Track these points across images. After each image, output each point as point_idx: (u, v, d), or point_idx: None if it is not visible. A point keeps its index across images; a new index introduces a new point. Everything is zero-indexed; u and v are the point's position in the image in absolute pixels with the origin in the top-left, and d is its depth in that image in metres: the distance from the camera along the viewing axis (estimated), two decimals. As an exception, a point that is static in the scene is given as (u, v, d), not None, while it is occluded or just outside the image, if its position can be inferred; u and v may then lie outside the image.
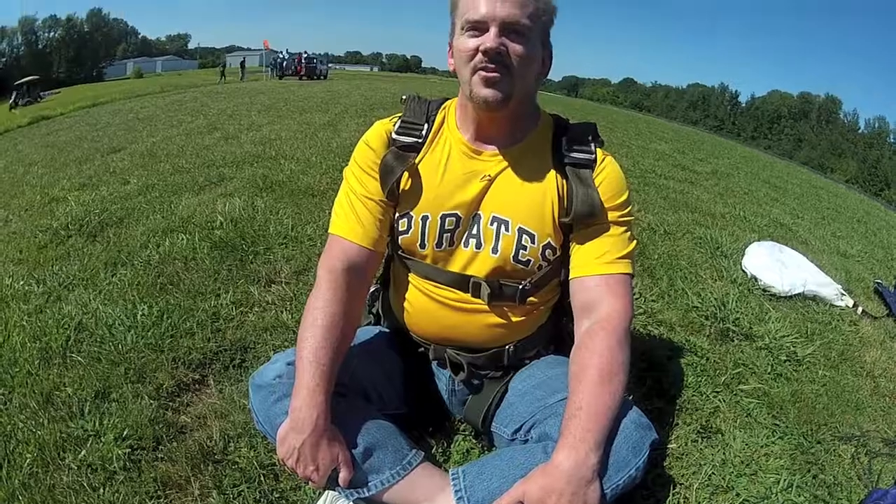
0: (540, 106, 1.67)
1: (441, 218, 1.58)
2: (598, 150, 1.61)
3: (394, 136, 1.63)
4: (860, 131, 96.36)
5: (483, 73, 1.43)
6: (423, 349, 1.77)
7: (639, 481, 1.41)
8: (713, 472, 1.86)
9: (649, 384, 2.31)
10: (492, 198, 1.58)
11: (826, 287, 3.76)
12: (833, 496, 1.84)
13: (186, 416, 1.95)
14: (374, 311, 1.99)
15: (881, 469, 2.01)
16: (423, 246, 1.61)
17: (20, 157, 8.13)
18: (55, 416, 1.91)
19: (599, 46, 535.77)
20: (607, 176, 1.57)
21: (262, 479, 1.69)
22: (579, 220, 1.53)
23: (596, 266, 1.53)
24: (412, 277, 1.69)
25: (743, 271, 3.97)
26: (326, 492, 1.51)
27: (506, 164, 1.58)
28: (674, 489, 1.76)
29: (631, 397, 1.42)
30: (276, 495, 1.65)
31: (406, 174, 1.59)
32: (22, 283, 3.05)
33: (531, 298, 1.65)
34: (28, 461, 1.72)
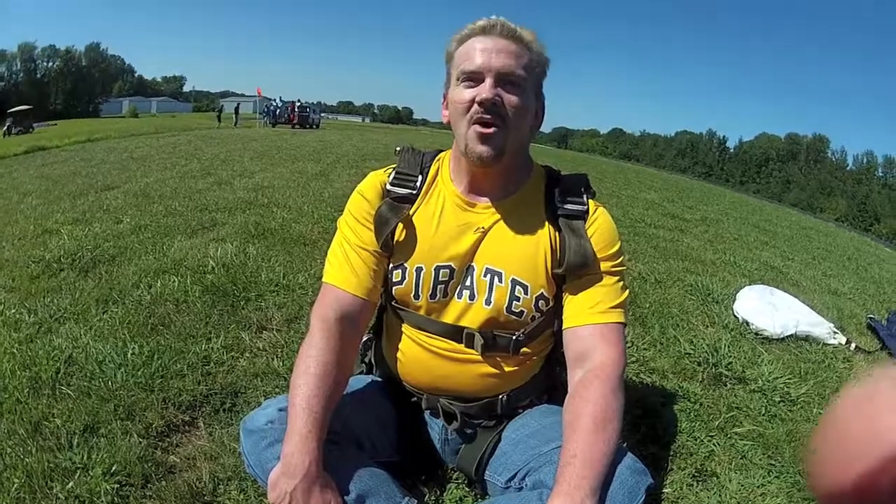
0: (532, 158, 1.71)
1: (435, 269, 1.60)
2: (590, 201, 1.64)
3: (388, 187, 1.66)
4: (849, 168, 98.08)
5: (479, 129, 1.47)
6: (415, 398, 1.78)
7: (635, 526, 1.41)
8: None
9: (643, 431, 2.33)
10: (485, 250, 1.60)
11: (818, 326, 3.83)
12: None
13: (176, 456, 1.96)
14: (366, 360, 1.99)
15: None
16: (416, 297, 1.64)
17: (15, 184, 8.10)
18: (43, 446, 1.91)
19: (588, 98, 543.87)
20: (599, 227, 1.61)
21: (251, 522, 1.68)
22: (572, 271, 1.56)
23: (589, 316, 1.55)
24: (405, 327, 1.71)
25: (734, 316, 4.04)
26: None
27: (499, 216, 1.61)
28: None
29: (625, 444, 1.44)
30: (266, 539, 1.64)
31: (401, 225, 1.62)
32: (13, 311, 3.06)
33: (524, 349, 1.66)
34: (15, 486, 1.72)
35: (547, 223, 1.62)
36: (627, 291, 1.63)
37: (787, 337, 3.70)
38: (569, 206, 1.62)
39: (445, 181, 1.67)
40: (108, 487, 1.74)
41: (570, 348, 1.57)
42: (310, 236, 5.10)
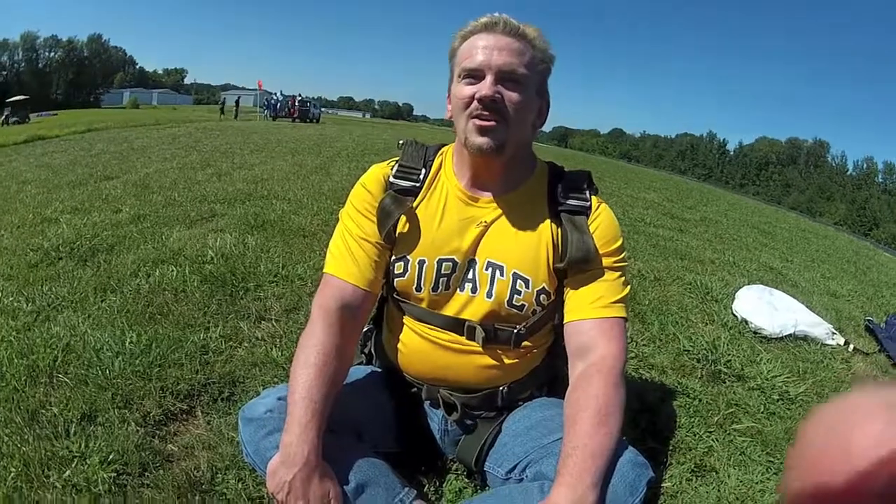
0: (536, 154, 1.72)
1: (438, 262, 1.60)
2: (592, 197, 1.64)
3: (391, 179, 1.66)
4: (848, 173, 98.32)
5: (477, 122, 1.47)
6: (415, 389, 1.78)
7: (636, 520, 1.41)
8: (709, 510, 1.87)
9: (643, 426, 2.34)
10: (487, 243, 1.61)
11: (817, 327, 3.84)
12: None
13: (173, 444, 1.95)
14: (365, 350, 1.98)
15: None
16: (419, 289, 1.63)
17: (14, 173, 8.08)
18: (40, 434, 1.90)
19: (589, 98, 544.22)
20: (602, 222, 1.61)
21: (249, 511, 1.68)
22: (574, 266, 1.56)
23: (590, 310, 1.55)
24: (406, 319, 1.71)
25: (733, 315, 4.05)
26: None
27: (501, 210, 1.61)
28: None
29: (625, 439, 1.44)
30: (263, 528, 1.63)
31: (403, 218, 1.62)
32: (11, 299, 3.05)
33: (525, 342, 1.66)
34: (12, 475, 1.72)
35: (549, 218, 1.62)
36: (629, 287, 1.63)
37: (785, 336, 3.71)
38: (571, 202, 1.62)
39: (449, 175, 1.67)
40: (105, 476, 1.73)
41: (571, 342, 1.57)
42: (309, 228, 5.09)
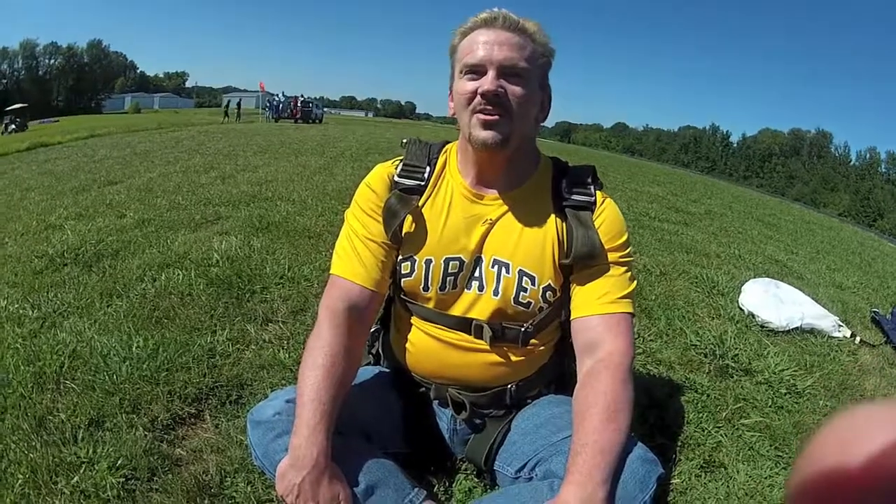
0: (539, 150, 1.71)
1: (444, 261, 1.60)
2: (597, 192, 1.64)
3: (396, 178, 1.66)
4: (852, 163, 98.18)
5: (481, 116, 1.46)
6: (423, 389, 1.77)
7: (646, 516, 1.41)
8: (718, 505, 1.87)
9: (651, 421, 2.33)
10: (493, 241, 1.60)
11: (823, 319, 3.84)
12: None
13: (182, 449, 1.94)
14: (373, 351, 1.98)
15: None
16: (426, 289, 1.63)
17: (17, 181, 8.10)
18: (48, 441, 1.90)
19: (591, 93, 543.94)
20: (607, 217, 1.60)
21: (258, 514, 1.67)
22: (579, 262, 1.55)
23: (597, 306, 1.54)
24: (414, 319, 1.70)
25: (740, 309, 4.04)
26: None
27: (506, 208, 1.60)
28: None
29: (633, 435, 1.43)
30: (273, 531, 1.63)
31: (409, 217, 1.61)
32: (17, 306, 3.05)
33: (533, 340, 1.66)
34: (20, 482, 1.71)
35: (554, 214, 1.61)
36: (635, 282, 1.62)
37: (792, 329, 3.71)
38: (576, 197, 1.61)
39: (453, 173, 1.66)
40: (113, 481, 1.72)
41: (579, 338, 1.57)
42: (314, 229, 5.08)
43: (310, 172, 9.18)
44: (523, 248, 1.59)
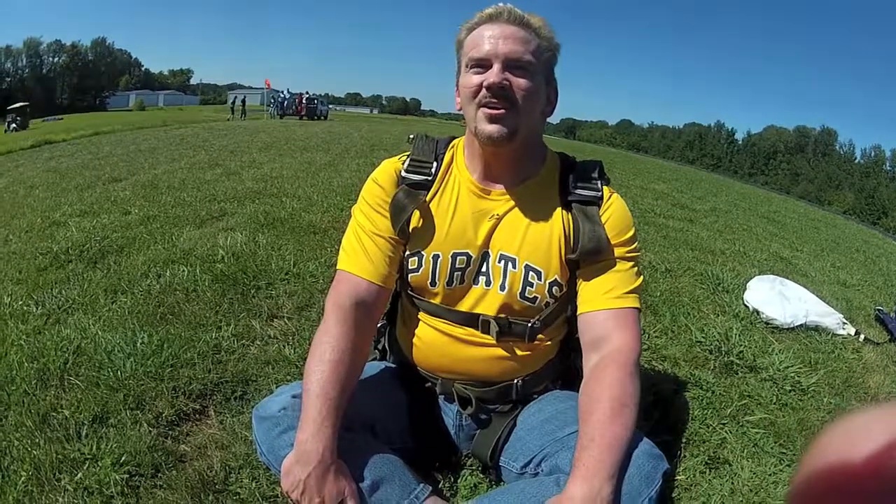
0: (546, 145, 1.70)
1: (452, 256, 1.60)
2: (604, 187, 1.63)
3: (403, 174, 1.65)
4: (856, 161, 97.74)
5: (487, 110, 1.46)
6: (429, 384, 1.77)
7: (651, 512, 1.40)
8: (722, 502, 1.87)
9: (656, 417, 2.32)
10: (499, 236, 1.60)
11: (828, 317, 3.82)
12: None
13: (186, 445, 1.93)
14: (379, 346, 1.98)
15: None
16: (433, 284, 1.63)
17: (21, 178, 8.12)
18: (52, 437, 1.89)
19: (596, 90, 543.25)
20: (614, 212, 1.60)
21: (263, 510, 1.66)
22: (586, 257, 1.55)
23: (604, 301, 1.54)
24: (421, 314, 1.70)
25: (745, 305, 4.02)
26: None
27: (513, 203, 1.60)
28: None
29: (639, 430, 1.42)
30: (278, 527, 1.61)
31: (417, 212, 1.61)
32: (21, 302, 3.05)
33: (539, 335, 1.66)
34: (23, 479, 1.70)
35: (561, 209, 1.61)
36: (641, 277, 1.63)
37: (797, 327, 3.70)
38: (583, 192, 1.62)
39: (460, 168, 1.66)
40: (117, 478, 1.71)
41: (585, 333, 1.57)
42: (320, 225, 5.06)
43: (315, 169, 9.16)
44: (529, 242, 1.58)
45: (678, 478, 1.99)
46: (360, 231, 1.64)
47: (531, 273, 1.58)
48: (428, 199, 1.62)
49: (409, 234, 1.63)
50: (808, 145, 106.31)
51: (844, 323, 3.85)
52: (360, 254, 1.61)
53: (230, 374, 2.36)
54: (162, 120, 26.52)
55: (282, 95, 44.62)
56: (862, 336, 3.75)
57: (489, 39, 1.46)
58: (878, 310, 4.52)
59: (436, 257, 1.60)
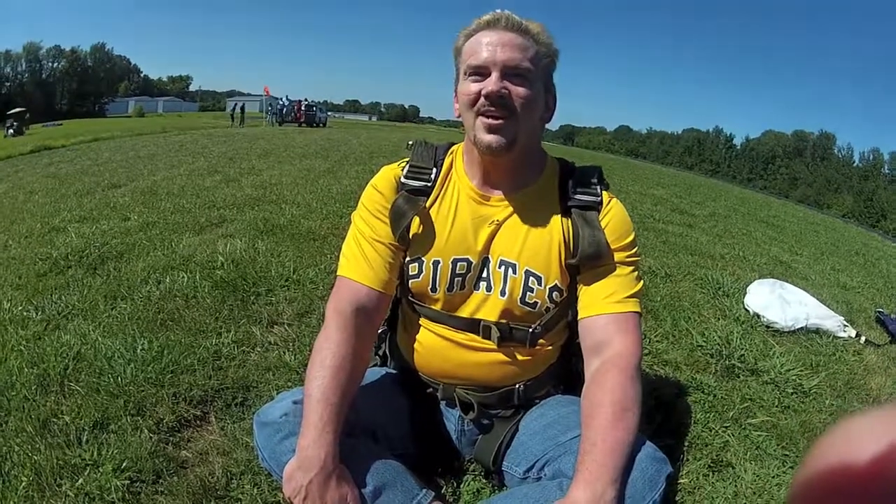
0: (546, 151, 1.71)
1: (452, 262, 1.60)
2: (603, 192, 1.63)
3: (403, 180, 1.66)
4: (855, 164, 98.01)
5: (485, 119, 1.47)
6: (431, 389, 1.77)
7: (656, 515, 1.40)
8: (726, 505, 1.87)
9: (659, 421, 2.32)
10: (499, 242, 1.60)
11: (828, 320, 3.84)
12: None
13: (187, 451, 1.93)
14: (380, 352, 1.98)
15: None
16: (434, 290, 1.63)
17: (21, 183, 8.12)
18: (52, 443, 1.88)
19: (594, 96, 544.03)
20: (613, 217, 1.60)
21: (264, 516, 1.65)
22: (586, 261, 1.55)
23: (605, 306, 1.54)
24: (422, 319, 1.70)
25: (745, 309, 4.04)
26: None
27: (512, 208, 1.61)
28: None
29: (642, 434, 1.42)
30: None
31: (417, 219, 1.61)
32: (20, 308, 3.04)
33: (541, 340, 1.65)
34: (24, 484, 1.69)
35: (560, 214, 1.61)
36: (642, 282, 1.63)
37: (797, 330, 3.71)
38: (583, 198, 1.62)
39: (460, 174, 1.66)
40: (118, 484, 1.71)
41: (587, 338, 1.57)
42: (319, 232, 5.06)
43: (314, 175, 9.16)
44: (529, 248, 1.59)
45: (681, 481, 1.99)
46: (361, 237, 1.64)
47: (531, 278, 1.58)
48: (428, 205, 1.62)
49: (409, 241, 1.63)
50: (806, 149, 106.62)
51: (845, 325, 3.87)
52: (361, 260, 1.61)
53: (231, 381, 2.36)
54: (161, 126, 26.51)
55: (281, 102, 44.53)
56: (863, 338, 3.77)
57: (487, 47, 1.46)
58: (879, 312, 4.55)
59: (436, 263, 1.60)
